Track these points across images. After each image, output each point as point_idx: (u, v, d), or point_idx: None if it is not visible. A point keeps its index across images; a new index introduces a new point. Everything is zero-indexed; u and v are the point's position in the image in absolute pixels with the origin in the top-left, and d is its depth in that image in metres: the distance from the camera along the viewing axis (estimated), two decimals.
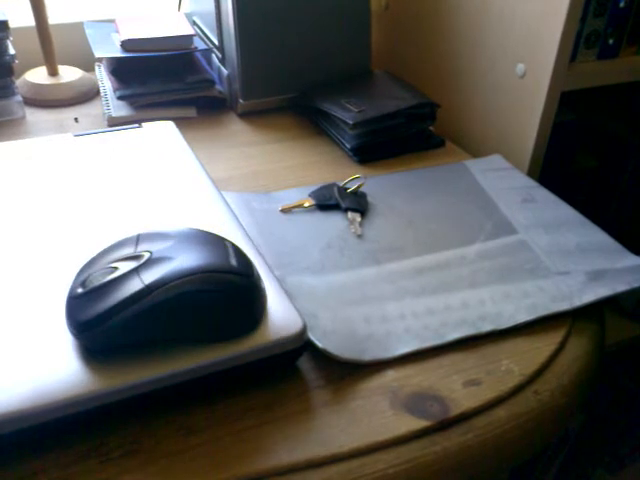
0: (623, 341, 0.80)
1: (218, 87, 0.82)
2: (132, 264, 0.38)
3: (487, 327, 0.46)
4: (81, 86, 0.86)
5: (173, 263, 0.38)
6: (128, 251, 0.39)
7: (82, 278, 0.39)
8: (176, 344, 0.38)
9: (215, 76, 0.83)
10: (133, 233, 0.42)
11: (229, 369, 0.39)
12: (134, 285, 0.37)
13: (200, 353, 0.38)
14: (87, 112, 0.82)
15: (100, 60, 0.88)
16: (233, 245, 0.42)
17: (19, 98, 0.79)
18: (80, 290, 0.38)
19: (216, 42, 0.84)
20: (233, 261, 0.39)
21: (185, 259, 0.38)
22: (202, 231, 0.42)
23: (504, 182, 0.65)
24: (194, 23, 0.95)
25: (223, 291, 0.38)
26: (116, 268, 0.38)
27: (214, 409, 0.40)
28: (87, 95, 0.86)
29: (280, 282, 0.44)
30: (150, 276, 0.37)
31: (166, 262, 0.38)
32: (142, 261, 0.38)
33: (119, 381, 0.36)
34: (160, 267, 0.38)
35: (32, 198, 0.51)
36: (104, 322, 0.36)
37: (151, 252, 0.39)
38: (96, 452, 0.37)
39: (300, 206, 0.60)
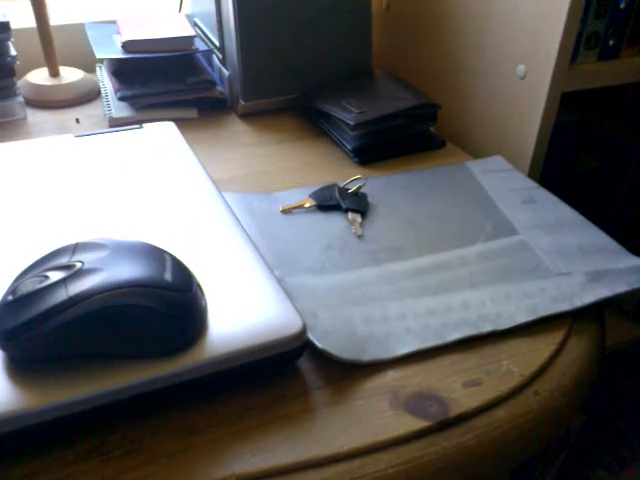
0: (623, 342, 0.80)
1: (219, 88, 0.82)
2: (62, 274, 0.37)
3: (487, 327, 0.46)
4: (82, 87, 0.86)
5: (101, 275, 0.37)
6: (63, 260, 0.39)
7: (15, 286, 0.38)
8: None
9: (216, 77, 0.84)
10: (72, 241, 0.41)
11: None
12: (59, 296, 0.36)
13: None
14: (88, 113, 0.82)
15: (101, 61, 0.89)
16: (174, 259, 0.41)
17: (20, 99, 0.79)
18: (10, 298, 0.37)
19: (217, 43, 0.84)
20: (168, 275, 0.38)
21: (115, 272, 0.37)
22: (142, 243, 0.41)
23: (505, 183, 0.65)
24: (195, 24, 0.95)
25: (149, 306, 0.37)
26: (47, 277, 0.37)
27: (214, 409, 0.40)
28: (88, 96, 0.86)
29: (280, 282, 0.44)
30: (76, 287, 0.36)
31: (95, 274, 0.37)
32: (72, 271, 0.37)
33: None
34: (88, 279, 0.37)
35: (33, 199, 0.51)
36: (26, 332, 0.35)
37: (83, 262, 0.38)
38: (97, 451, 0.37)
39: (301, 207, 0.60)
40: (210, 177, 0.56)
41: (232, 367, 0.39)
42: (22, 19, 0.91)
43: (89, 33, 0.84)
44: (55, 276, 0.37)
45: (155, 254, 0.40)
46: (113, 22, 0.89)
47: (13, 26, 0.76)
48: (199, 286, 0.41)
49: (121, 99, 0.78)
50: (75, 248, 0.40)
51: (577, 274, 0.51)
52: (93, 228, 0.48)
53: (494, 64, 0.73)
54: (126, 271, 0.37)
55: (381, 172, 0.68)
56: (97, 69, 0.89)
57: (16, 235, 0.47)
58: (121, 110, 0.78)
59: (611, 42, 0.68)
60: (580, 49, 0.67)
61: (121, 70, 0.82)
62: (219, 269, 0.44)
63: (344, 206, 0.59)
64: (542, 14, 0.65)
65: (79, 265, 0.38)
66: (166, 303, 0.37)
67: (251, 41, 0.76)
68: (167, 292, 0.37)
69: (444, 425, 0.39)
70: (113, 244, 0.40)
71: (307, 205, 0.60)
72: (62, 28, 0.93)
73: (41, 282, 0.37)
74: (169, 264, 0.40)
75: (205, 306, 0.41)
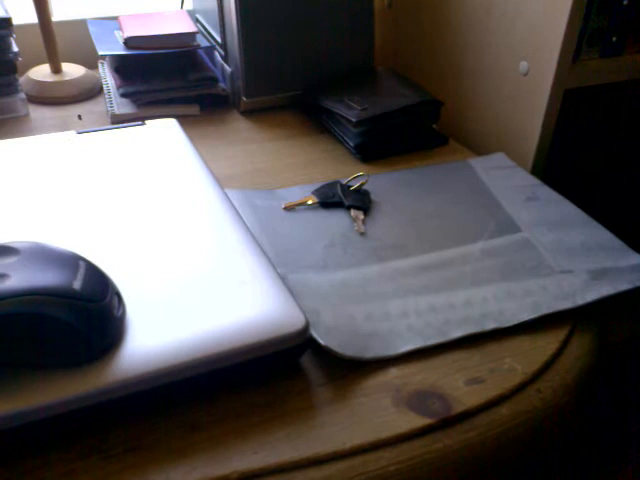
0: (626, 340, 0.80)
1: (221, 84, 0.82)
2: None
3: (490, 325, 0.46)
4: (84, 83, 0.86)
5: (6, 282, 0.36)
6: None
7: None
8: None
9: (218, 73, 0.83)
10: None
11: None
12: None
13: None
14: (90, 109, 0.82)
15: (103, 57, 0.88)
16: (89, 266, 0.39)
17: (23, 96, 0.79)
18: None
19: (219, 40, 0.84)
20: (76, 284, 0.37)
21: (19, 278, 0.36)
22: (56, 249, 0.40)
23: (507, 180, 0.65)
24: (197, 21, 0.95)
25: (47, 314, 0.35)
26: None
27: (216, 406, 0.40)
28: (90, 92, 0.86)
29: (283, 279, 0.44)
30: None
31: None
32: None
33: None
34: None
35: (35, 196, 0.51)
36: None
37: None
38: (98, 449, 0.37)
39: (303, 204, 0.59)
40: (212, 174, 0.56)
41: (234, 364, 0.39)
42: (24, 15, 0.91)
43: (91, 29, 0.84)
44: None
45: (69, 261, 0.39)
46: (115, 18, 0.89)
47: (15, 22, 0.76)
48: (118, 295, 0.40)
49: (123, 95, 0.78)
50: None
51: (580, 272, 0.51)
52: (94, 225, 0.48)
53: (496, 61, 0.73)
54: (31, 278, 0.36)
55: (384, 169, 0.68)
56: (99, 65, 0.89)
57: (16, 232, 0.47)
58: (123, 107, 0.78)
59: (614, 39, 0.68)
60: (583, 46, 0.67)
61: (123, 66, 0.82)
62: (221, 266, 0.44)
63: (347, 203, 0.59)
64: (545, 10, 0.64)
65: None
66: (69, 312, 0.36)
67: (253, 38, 0.76)
68: (70, 300, 0.36)
69: (446, 423, 0.39)
70: (27, 249, 0.39)
71: (309, 202, 0.60)
72: (64, 24, 0.93)
73: None
74: (82, 272, 0.38)
75: (121, 316, 0.39)
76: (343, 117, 0.71)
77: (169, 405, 0.39)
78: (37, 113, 0.80)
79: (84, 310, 0.36)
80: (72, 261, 0.39)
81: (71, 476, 0.35)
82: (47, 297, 0.35)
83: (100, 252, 0.45)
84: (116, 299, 0.39)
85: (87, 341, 0.37)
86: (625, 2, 0.66)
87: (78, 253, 0.40)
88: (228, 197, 0.53)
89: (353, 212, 0.58)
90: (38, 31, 0.83)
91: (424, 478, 0.37)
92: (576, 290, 0.49)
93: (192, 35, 0.81)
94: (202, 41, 0.84)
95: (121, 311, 0.39)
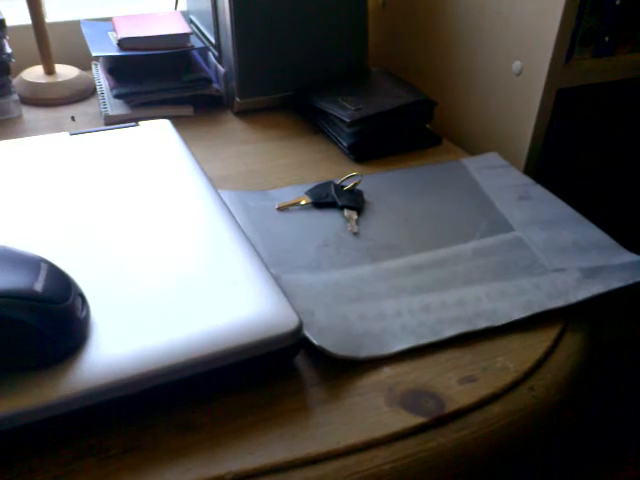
0: (618, 338, 0.80)
1: (215, 85, 0.82)
2: None
3: (482, 324, 0.46)
4: (78, 85, 0.86)
5: None
6: None
7: None
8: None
9: (212, 74, 0.84)
10: None
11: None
12: None
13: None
14: (84, 111, 0.82)
15: (97, 59, 0.88)
16: (51, 267, 0.39)
17: (16, 97, 0.79)
18: None
19: (213, 40, 0.84)
20: (38, 285, 0.37)
21: None
22: (18, 251, 0.40)
23: (500, 180, 0.65)
24: (191, 21, 0.95)
25: (7, 317, 0.35)
26: None
27: (212, 406, 0.40)
28: (84, 94, 0.86)
29: (276, 280, 0.44)
30: None
31: None
32: None
33: None
34: None
35: (28, 197, 0.51)
36: None
37: None
38: (96, 449, 0.37)
39: (297, 204, 0.60)
40: (206, 175, 0.56)
41: (227, 364, 0.39)
42: (17, 16, 0.91)
43: (84, 30, 0.84)
44: None
45: (30, 263, 0.39)
46: (109, 19, 0.88)
47: (8, 23, 0.76)
48: (81, 296, 0.40)
49: (117, 97, 0.77)
50: None
51: (572, 270, 0.51)
52: (87, 226, 0.48)
53: (490, 60, 0.73)
54: None
55: (377, 169, 0.69)
56: (93, 67, 0.89)
57: (9, 234, 0.47)
58: (117, 108, 0.78)
59: (607, 39, 0.68)
60: (576, 46, 0.67)
61: (117, 67, 0.82)
62: (215, 267, 0.44)
63: (340, 203, 0.59)
64: (538, 10, 0.65)
65: None
66: (30, 314, 0.36)
67: (247, 38, 0.76)
68: (31, 302, 0.36)
69: (440, 421, 0.39)
70: None
71: (303, 202, 0.60)
72: (57, 25, 0.93)
73: None
74: (44, 274, 0.38)
75: (85, 318, 0.39)
76: (337, 117, 0.71)
77: (167, 406, 0.39)
78: (30, 114, 0.80)
79: (46, 312, 0.36)
80: (33, 263, 0.39)
81: (70, 476, 0.35)
82: (8, 299, 0.35)
83: (94, 253, 0.45)
84: (79, 300, 0.39)
85: (50, 343, 0.36)
86: (617, 2, 0.66)
87: (40, 255, 0.40)
88: (221, 198, 0.53)
89: (346, 212, 0.58)
90: (31, 32, 0.83)
91: (418, 476, 0.38)
92: (568, 288, 0.49)
93: (186, 36, 0.81)
94: (196, 42, 0.84)
95: (85, 312, 0.39)
